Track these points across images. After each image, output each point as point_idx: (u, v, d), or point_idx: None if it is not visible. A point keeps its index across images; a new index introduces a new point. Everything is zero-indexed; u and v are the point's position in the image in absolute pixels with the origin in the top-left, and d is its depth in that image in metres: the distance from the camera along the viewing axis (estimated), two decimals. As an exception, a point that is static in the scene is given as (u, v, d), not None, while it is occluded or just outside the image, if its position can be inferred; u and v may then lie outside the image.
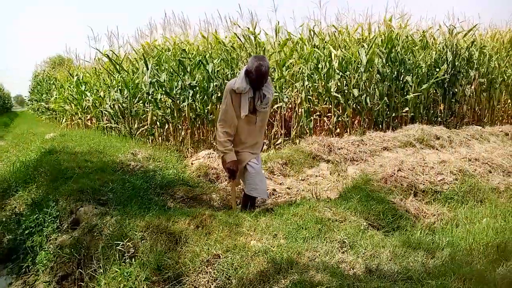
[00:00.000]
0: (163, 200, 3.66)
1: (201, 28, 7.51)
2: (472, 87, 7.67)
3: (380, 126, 6.82)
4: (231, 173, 3.34)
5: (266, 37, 6.99)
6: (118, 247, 2.58)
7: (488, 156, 4.84)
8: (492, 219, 3.31)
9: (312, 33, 7.20)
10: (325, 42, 6.96)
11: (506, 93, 8.44)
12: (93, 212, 3.14)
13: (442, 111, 7.50)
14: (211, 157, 4.90)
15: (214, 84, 6.40)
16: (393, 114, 6.87)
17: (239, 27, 6.88)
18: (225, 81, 6.40)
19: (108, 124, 7.43)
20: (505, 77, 8.19)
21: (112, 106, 7.20)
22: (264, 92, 3.30)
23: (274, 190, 4.30)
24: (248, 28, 6.70)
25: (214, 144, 6.45)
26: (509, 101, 8.68)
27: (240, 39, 6.72)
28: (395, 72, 6.75)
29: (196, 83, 6.39)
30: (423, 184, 3.94)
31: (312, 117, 6.72)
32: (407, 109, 6.89)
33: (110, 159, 4.53)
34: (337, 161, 5.02)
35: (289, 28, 9.26)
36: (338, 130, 6.79)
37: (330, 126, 6.76)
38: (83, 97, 8.72)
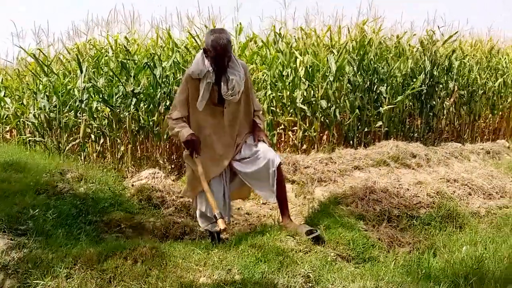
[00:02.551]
0: (95, 230, 3.58)
1: (153, 26, 7.46)
2: (451, 99, 8.04)
3: (351, 142, 6.98)
4: (192, 146, 3.10)
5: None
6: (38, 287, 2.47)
7: (468, 176, 5.06)
8: (472, 247, 3.45)
9: (277, 36, 7.33)
10: (291, 46, 7.10)
11: (487, 107, 8.90)
12: (8, 244, 3.00)
13: (419, 126, 7.80)
14: (156, 178, 4.84)
15: (162, 91, 6.34)
16: (365, 129, 7.07)
17: (196, 26, 6.91)
18: (175, 87, 6.36)
19: (31, 137, 7.16)
20: (486, 90, 8.66)
21: (37, 116, 6.95)
22: (228, 74, 3.04)
23: (231, 216, 4.28)
24: (206, 27, 6.73)
25: (160, 161, 6.37)
26: (490, 115, 9.16)
27: (195, 40, 6.72)
28: (368, 82, 6.97)
29: (140, 89, 6.31)
30: (398, 208, 4.05)
31: (275, 131, 6.79)
32: (380, 123, 7.10)
33: (32, 179, 4.37)
34: (303, 181, 5.08)
35: (256, 29, 9.40)
36: (304, 146, 6.89)
37: (295, 141, 6.85)
38: (2, 104, 8.37)
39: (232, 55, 3.12)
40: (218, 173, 3.23)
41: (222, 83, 3.07)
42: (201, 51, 3.07)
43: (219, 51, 2.95)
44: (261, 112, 3.53)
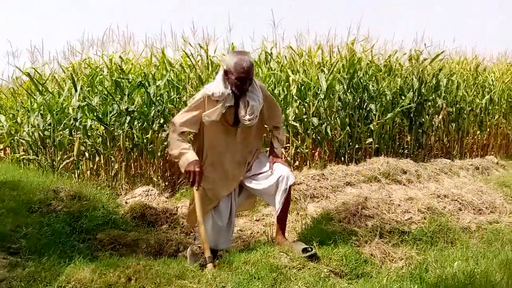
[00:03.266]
0: (89, 247, 3.54)
1: (147, 45, 7.50)
2: (440, 116, 8.12)
3: (343, 158, 7.01)
4: (193, 177, 2.93)
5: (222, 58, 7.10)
6: (29, 307, 2.42)
7: (458, 192, 5.07)
8: (463, 262, 3.44)
9: (268, 55, 7.39)
10: (282, 65, 7.16)
11: (475, 124, 9.00)
12: (1, 263, 2.96)
13: (409, 142, 7.85)
14: (150, 195, 4.81)
15: (156, 109, 6.34)
16: (356, 146, 7.10)
17: (190, 45, 6.95)
18: (169, 105, 6.38)
19: (25, 156, 7.10)
20: (473, 107, 8.76)
21: (31, 134, 6.90)
22: (247, 98, 2.95)
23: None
24: (200, 46, 6.78)
25: (154, 179, 6.33)
26: (478, 132, 9.25)
27: (190, 59, 6.76)
28: (358, 100, 7.03)
29: (134, 107, 6.31)
30: (389, 224, 4.04)
31: (268, 148, 6.78)
32: (371, 140, 7.14)
33: (26, 197, 4.33)
34: (296, 198, 5.06)
35: (247, 49, 9.48)
36: (297, 163, 6.89)
37: (288, 158, 6.86)
38: (-5, 122, 8.32)
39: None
40: (228, 192, 3.18)
41: (240, 105, 2.98)
42: (221, 72, 2.97)
43: (242, 74, 2.85)
44: (281, 129, 3.43)
